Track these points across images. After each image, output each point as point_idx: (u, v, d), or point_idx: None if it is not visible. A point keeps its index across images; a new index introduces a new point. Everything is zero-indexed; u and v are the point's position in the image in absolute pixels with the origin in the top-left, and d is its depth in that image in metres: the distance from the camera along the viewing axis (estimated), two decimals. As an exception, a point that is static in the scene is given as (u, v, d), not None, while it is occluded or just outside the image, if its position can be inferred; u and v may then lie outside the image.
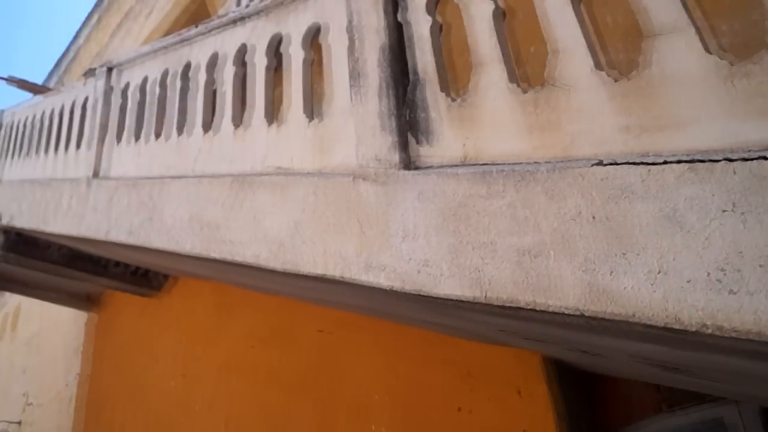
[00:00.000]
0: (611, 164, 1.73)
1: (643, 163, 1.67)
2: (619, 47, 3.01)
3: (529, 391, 3.55)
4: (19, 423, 9.31)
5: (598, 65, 1.94)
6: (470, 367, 3.83)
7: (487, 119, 2.24)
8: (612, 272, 1.65)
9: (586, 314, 1.69)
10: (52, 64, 11.53)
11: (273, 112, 3.29)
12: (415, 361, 4.15)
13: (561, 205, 1.81)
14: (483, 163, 2.16)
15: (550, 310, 1.77)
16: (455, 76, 2.57)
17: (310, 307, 4.92)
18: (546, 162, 1.92)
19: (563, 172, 1.84)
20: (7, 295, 11.21)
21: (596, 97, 1.90)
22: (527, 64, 2.51)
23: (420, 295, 2.14)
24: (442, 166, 2.28)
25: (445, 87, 2.46)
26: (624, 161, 1.71)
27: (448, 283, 2.01)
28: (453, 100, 2.39)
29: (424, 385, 4.06)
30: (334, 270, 2.50)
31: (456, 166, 2.21)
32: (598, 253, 1.69)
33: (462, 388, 3.84)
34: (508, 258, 1.87)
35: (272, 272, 3.02)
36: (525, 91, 2.13)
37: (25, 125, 6.47)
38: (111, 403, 7.23)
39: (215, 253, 3.15)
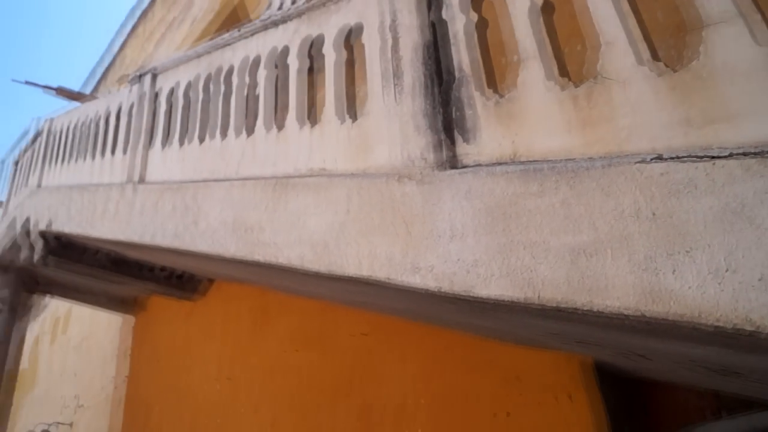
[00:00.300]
0: (672, 159, 1.65)
1: (707, 157, 1.58)
2: (674, 38, 2.90)
3: (574, 396, 3.46)
4: (71, 425, 9.45)
5: (653, 56, 1.85)
6: (513, 371, 3.75)
7: (533, 116, 2.16)
8: (675, 271, 1.57)
9: (647, 315, 1.61)
10: (86, 73, 11.71)
11: (311, 113, 3.25)
12: (457, 365, 4.08)
13: (618, 202, 1.73)
14: (532, 160, 2.08)
15: (608, 311, 1.69)
16: (494, 74, 2.49)
17: (351, 310, 4.88)
18: (600, 158, 1.84)
19: (619, 167, 1.76)
20: (57, 300, 11.43)
21: (652, 90, 1.81)
22: (571, 60, 2.43)
23: (468, 296, 2.07)
24: (488, 164, 2.21)
25: (484, 84, 2.39)
26: (686, 155, 1.62)
27: (499, 284, 1.94)
28: (494, 97, 2.32)
29: (465, 390, 3.99)
30: (379, 272, 2.45)
31: (503, 164, 2.14)
32: (660, 251, 1.61)
33: (504, 393, 3.76)
34: (562, 257, 1.79)
35: (314, 275, 2.98)
36: (576, 86, 2.05)
37: (65, 132, 6.55)
38: (156, 405, 7.28)
39: (260, 256, 3.12)
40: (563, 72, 2.11)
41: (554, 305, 1.78)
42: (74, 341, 10.41)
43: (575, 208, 1.80)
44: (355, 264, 2.51)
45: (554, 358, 3.57)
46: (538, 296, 1.82)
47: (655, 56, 1.86)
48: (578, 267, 1.74)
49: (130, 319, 8.44)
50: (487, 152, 2.22)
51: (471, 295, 2.03)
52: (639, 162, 1.73)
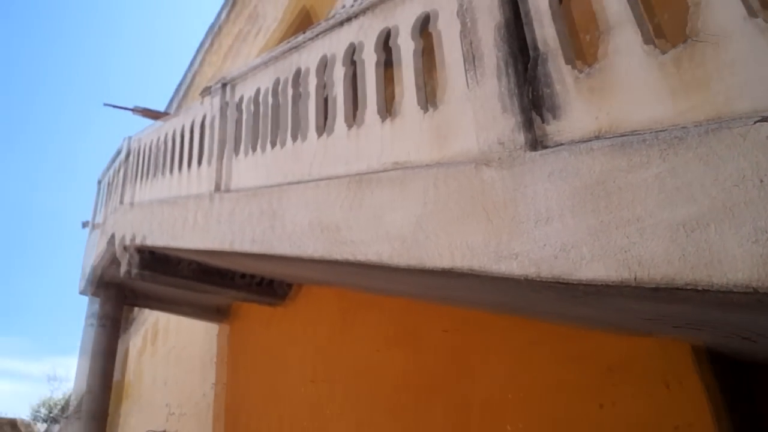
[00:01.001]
0: (780, 118, 1.51)
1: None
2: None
3: (679, 384, 3.27)
4: (165, 432, 9.79)
5: (754, 9, 1.71)
6: (611, 360, 3.58)
7: (621, 87, 2.05)
8: (790, 240, 1.44)
9: (759, 291, 1.49)
10: (171, 92, 12.12)
11: (386, 107, 3.22)
12: (550, 357, 3.94)
13: (719, 171, 1.61)
14: (621, 134, 1.97)
15: (714, 288, 1.57)
16: (579, 47, 2.38)
17: (435, 306, 4.82)
18: (696, 126, 1.72)
19: (719, 133, 1.63)
20: (147, 311, 11.88)
21: (755, 46, 1.68)
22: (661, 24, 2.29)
23: (558, 282, 1.98)
24: (573, 143, 2.11)
25: (570, 58, 2.29)
26: (796, 113, 1.49)
27: (591, 267, 1.85)
28: (579, 71, 2.21)
29: (561, 382, 3.86)
30: (462, 262, 2.39)
31: (589, 140, 2.04)
32: (772, 220, 1.48)
33: (603, 383, 3.61)
34: (660, 234, 1.68)
35: (396, 271, 2.94)
36: (664, 51, 1.93)
37: (149, 149, 6.78)
38: (246, 411, 7.43)
39: (339, 255, 3.11)
40: (652, 38, 1.98)
41: (655, 285, 1.67)
42: (173, 351, 10.77)
43: (670, 181, 1.69)
44: (436, 256, 2.45)
45: (653, 344, 3.39)
46: (637, 277, 1.71)
47: (759, 8, 1.72)
48: (679, 243, 1.63)
49: (224, 327, 8.66)
50: (577, 128, 2.12)
51: (564, 280, 1.94)
52: (740, 126, 1.60)
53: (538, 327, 4.00)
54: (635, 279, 1.75)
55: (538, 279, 2.08)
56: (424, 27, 3.09)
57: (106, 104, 9.40)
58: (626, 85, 2.04)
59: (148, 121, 9.12)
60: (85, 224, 9.42)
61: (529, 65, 2.40)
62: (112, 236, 7.23)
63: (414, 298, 4.85)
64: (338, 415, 5.78)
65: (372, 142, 3.16)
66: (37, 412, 22.34)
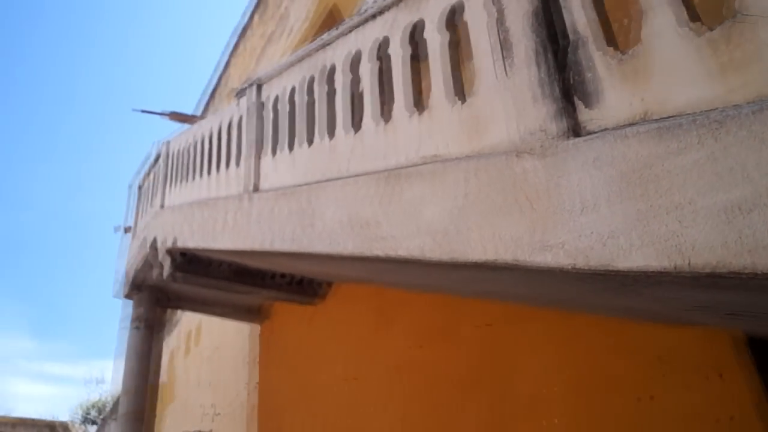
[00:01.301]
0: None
1: None
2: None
3: (730, 375, 3.19)
4: (210, 432, 9.88)
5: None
6: (657, 351, 3.51)
7: (658, 71, 1.99)
8: None
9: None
10: (198, 95, 12.20)
11: (417, 101, 3.18)
12: (592, 350, 3.88)
13: (762, 154, 1.54)
14: (658, 119, 1.92)
15: (759, 275, 1.52)
16: (611, 32, 2.33)
17: (473, 301, 4.77)
18: (748, 103, 1.65)
19: (760, 115, 1.56)
20: (183, 313, 12.01)
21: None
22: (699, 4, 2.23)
23: (606, 271, 1.93)
24: (609, 129, 2.05)
25: (602, 44, 2.23)
26: None
27: (640, 254, 1.79)
28: (613, 57, 2.16)
29: (605, 375, 3.80)
30: (500, 255, 2.34)
31: (633, 124, 1.98)
32: (832, 199, 1.42)
33: (649, 375, 3.54)
34: (713, 217, 1.62)
35: (432, 265, 2.91)
36: (701, 33, 1.87)
37: (181, 153, 6.83)
38: (288, 410, 7.45)
39: (374, 251, 3.08)
40: (694, 16, 1.92)
41: (708, 271, 1.61)
42: (207, 352, 10.85)
43: (723, 162, 1.63)
44: (478, 249, 2.41)
45: (700, 334, 3.32)
46: (689, 263, 1.65)
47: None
48: (734, 226, 1.57)
49: (259, 327, 8.69)
50: (613, 115, 2.07)
51: (610, 269, 1.89)
52: (786, 106, 1.54)
53: (579, 320, 3.94)
54: (676, 267, 1.70)
55: (578, 269, 2.03)
56: (451, 19, 3.05)
57: (135, 110, 9.48)
58: (663, 69, 1.98)
59: (177, 125, 9.20)
60: (117, 228, 9.54)
61: (561, 53, 2.35)
62: (145, 239, 7.30)
63: (450, 293, 4.81)
64: (376, 413, 5.76)
65: (403, 136, 3.13)
66: (77, 414, 22.75)
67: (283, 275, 7.02)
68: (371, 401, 5.88)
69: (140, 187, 8.61)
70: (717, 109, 1.74)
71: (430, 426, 5.09)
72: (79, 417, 22.54)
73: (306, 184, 3.90)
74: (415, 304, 5.51)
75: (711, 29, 1.84)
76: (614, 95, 2.11)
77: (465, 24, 2.88)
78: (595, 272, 2.00)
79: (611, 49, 2.20)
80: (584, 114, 2.17)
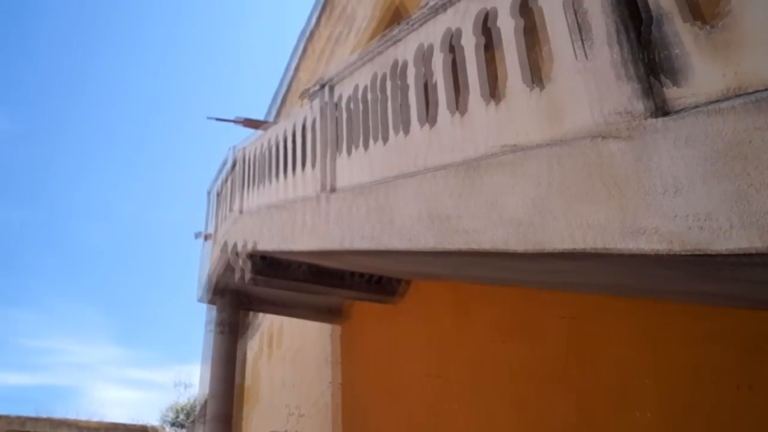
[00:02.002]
0: None
1: None
2: None
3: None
4: (290, 433, 10.05)
5: None
6: (755, 339, 3.34)
7: (751, 42, 1.89)
8: None
9: None
10: (268, 100, 12.42)
11: (490, 90, 3.13)
12: (682, 339, 3.74)
13: None
14: (754, 92, 1.82)
15: None
16: (695, 5, 2.22)
17: (553, 293, 4.68)
18: None
19: None
20: (263, 315, 12.25)
21: None
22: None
23: (703, 255, 1.85)
24: (699, 105, 1.96)
25: (688, 17, 2.13)
26: None
27: (742, 235, 1.71)
28: (704, 28, 2.06)
29: (696, 364, 3.65)
30: (585, 243, 2.28)
31: (722, 100, 1.89)
32: None
33: (745, 364, 3.38)
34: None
35: (512, 257, 2.86)
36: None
37: (255, 157, 6.96)
38: (371, 409, 7.49)
39: (452, 245, 3.06)
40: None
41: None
42: (289, 354, 11.03)
43: (831, 132, 1.53)
44: (565, 237, 2.35)
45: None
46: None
47: None
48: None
49: (338, 327, 8.78)
50: (704, 91, 1.97)
51: (708, 251, 1.81)
52: None
53: (664, 307, 3.81)
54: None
55: (670, 254, 1.95)
56: (524, 4, 2.98)
57: (209, 118, 9.69)
58: (756, 39, 1.88)
59: (250, 131, 9.37)
60: (197, 235, 9.80)
61: (644, 30, 2.26)
62: (225, 244, 7.47)
63: (529, 285, 4.73)
64: (459, 409, 5.72)
65: (480, 126, 3.09)
66: (166, 416, 23.52)
67: (360, 274, 7.06)
68: (455, 398, 5.84)
69: (218, 194, 8.83)
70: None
71: (516, 422, 5.02)
72: (168, 421, 23.28)
73: (382, 181, 3.90)
74: (494, 299, 5.45)
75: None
76: (704, 70, 2.01)
77: (539, 8, 2.81)
78: (691, 256, 1.92)
79: (698, 22, 2.10)
80: (671, 92, 2.08)
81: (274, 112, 12.13)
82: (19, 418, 17.81)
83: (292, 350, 10.92)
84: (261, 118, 11.68)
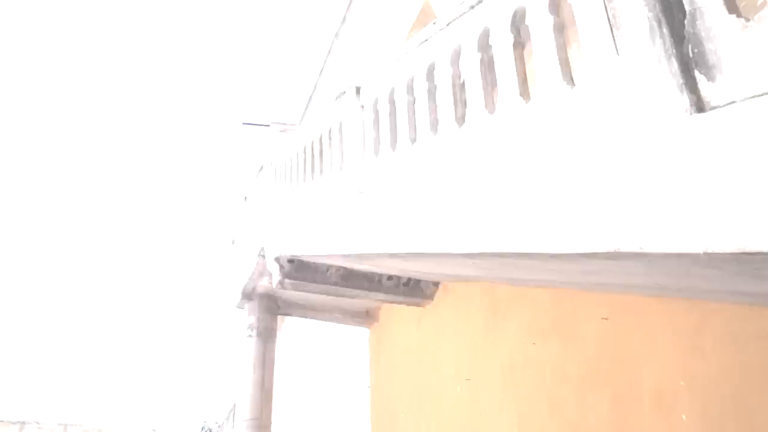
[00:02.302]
0: None
1: None
2: None
3: None
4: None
5: None
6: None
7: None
8: None
9: None
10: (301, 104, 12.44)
11: (525, 88, 3.09)
12: (725, 340, 3.66)
13: None
14: (799, 85, 1.76)
15: None
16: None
17: (589, 294, 4.61)
18: None
19: None
20: (296, 320, 12.25)
21: None
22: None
23: (743, 254, 1.80)
24: (744, 99, 1.91)
25: (726, 11, 2.08)
26: None
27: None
28: (740, 22, 2.00)
29: (739, 364, 3.56)
30: (626, 243, 2.24)
31: (763, 95, 1.84)
32: None
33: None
34: None
35: (550, 258, 2.82)
36: None
37: (286, 161, 6.96)
38: (400, 412, 7.48)
39: (493, 247, 3.02)
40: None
41: None
42: (322, 356, 11.04)
43: None
44: (599, 238, 2.32)
45: None
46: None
47: None
48: None
49: (370, 330, 8.77)
50: (740, 87, 1.92)
51: (750, 251, 1.76)
52: None
53: (705, 307, 3.74)
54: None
55: (718, 253, 1.90)
56: (555, 2, 2.95)
57: (245, 123, 9.67)
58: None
59: (280, 135, 9.39)
60: (233, 241, 9.85)
61: (678, 26, 2.21)
62: (254, 248, 7.50)
63: (565, 286, 4.67)
64: (492, 413, 5.68)
65: (514, 125, 3.05)
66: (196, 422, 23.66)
67: (390, 277, 7.03)
68: (486, 401, 5.80)
69: (251, 199, 8.86)
70: None
71: (548, 425, 4.97)
72: (200, 425, 23.41)
73: (413, 183, 3.88)
74: (526, 300, 5.40)
75: None
76: (740, 66, 1.96)
77: (575, 2, 2.76)
78: (733, 255, 1.87)
79: (733, 16, 2.05)
80: (713, 84, 2.03)
81: (307, 116, 12.14)
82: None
83: (325, 353, 10.93)
84: (296, 122, 11.72)
